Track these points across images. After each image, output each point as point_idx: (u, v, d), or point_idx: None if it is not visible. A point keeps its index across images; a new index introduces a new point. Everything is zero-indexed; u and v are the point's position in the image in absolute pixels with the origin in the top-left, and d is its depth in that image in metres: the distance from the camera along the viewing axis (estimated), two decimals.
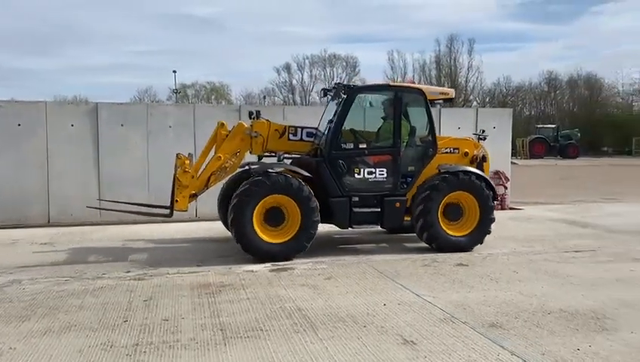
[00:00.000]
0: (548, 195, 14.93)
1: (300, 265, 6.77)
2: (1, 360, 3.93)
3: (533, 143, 40.92)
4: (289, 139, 7.86)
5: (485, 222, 7.61)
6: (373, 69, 78.75)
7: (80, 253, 7.62)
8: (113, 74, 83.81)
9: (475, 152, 8.15)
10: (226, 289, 5.75)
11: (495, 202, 7.84)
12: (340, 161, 7.38)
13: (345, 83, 8.02)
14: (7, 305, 5.21)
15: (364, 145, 7.58)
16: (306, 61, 61.89)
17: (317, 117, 10.13)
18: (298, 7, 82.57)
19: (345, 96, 7.47)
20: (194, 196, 7.53)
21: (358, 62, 61.99)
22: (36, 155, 10.08)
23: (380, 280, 6.09)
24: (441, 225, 7.50)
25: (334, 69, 62.07)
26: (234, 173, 7.87)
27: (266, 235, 6.98)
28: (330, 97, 8.22)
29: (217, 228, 9.63)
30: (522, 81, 57.98)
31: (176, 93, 55.25)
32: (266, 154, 7.94)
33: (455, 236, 7.57)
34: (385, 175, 7.52)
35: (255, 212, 6.87)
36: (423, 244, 7.72)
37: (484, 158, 8.15)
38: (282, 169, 7.12)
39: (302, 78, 62.54)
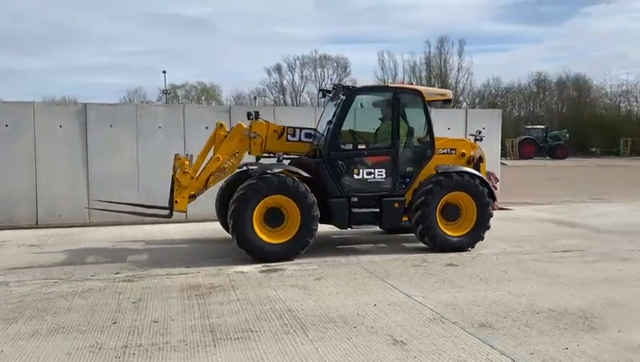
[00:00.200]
0: (537, 195, 15.03)
1: (291, 266, 6.77)
2: None
3: (522, 144, 41.23)
4: (287, 140, 7.88)
5: (483, 222, 7.68)
6: (363, 69, 79.11)
7: (68, 255, 7.56)
8: (102, 74, 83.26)
9: (472, 153, 8.21)
10: (215, 290, 5.73)
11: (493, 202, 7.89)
12: (339, 162, 7.41)
13: (344, 84, 8.01)
14: None
15: (363, 146, 7.63)
16: (297, 62, 62.03)
17: (307, 118, 10.17)
18: (289, 7, 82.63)
19: (344, 97, 7.51)
20: (193, 197, 7.52)
21: (349, 63, 62.31)
22: (24, 156, 9.99)
23: (370, 281, 6.10)
24: (439, 225, 7.55)
25: (325, 70, 62.27)
26: (232, 174, 7.88)
27: (266, 236, 7.00)
28: (328, 98, 8.24)
29: (207, 229, 9.62)
30: (512, 82, 58.56)
31: (166, 93, 54.98)
32: (265, 155, 7.96)
33: (453, 236, 7.63)
34: (384, 175, 7.57)
35: (255, 212, 6.88)
36: (421, 244, 7.77)
37: (480, 159, 8.23)
38: (282, 169, 7.15)
39: (292, 79, 62.67)
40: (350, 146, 7.52)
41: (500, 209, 12.11)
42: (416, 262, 7.00)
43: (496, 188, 11.98)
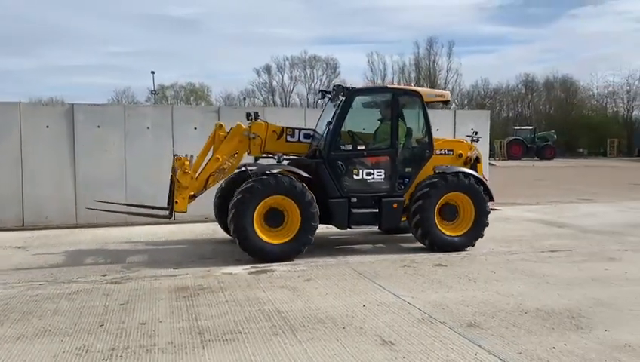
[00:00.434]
0: (525, 196, 15.13)
1: (280, 267, 6.75)
2: None
3: (510, 145, 41.49)
4: (287, 141, 7.90)
5: (480, 222, 7.75)
6: (353, 70, 79.10)
7: (55, 257, 7.48)
8: (90, 75, 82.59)
9: (469, 153, 8.29)
10: (204, 291, 5.70)
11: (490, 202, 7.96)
12: (339, 162, 7.45)
13: (344, 85, 8.05)
14: None
15: (363, 147, 7.68)
16: (286, 62, 61.94)
17: (297, 118, 10.16)
18: (278, 8, 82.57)
19: (344, 98, 7.54)
20: (193, 197, 7.52)
21: (339, 64, 62.29)
22: (10, 157, 9.87)
23: (359, 281, 6.10)
24: (438, 225, 7.61)
25: (314, 71, 62.23)
26: (231, 174, 7.90)
27: (266, 236, 7.01)
28: (328, 99, 8.26)
29: (196, 231, 9.58)
30: (500, 84, 58.89)
31: (154, 94, 54.70)
32: (264, 155, 7.97)
33: (451, 236, 7.68)
34: (383, 176, 7.61)
35: (256, 213, 6.90)
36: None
37: (477, 159, 8.31)
38: (281, 170, 7.17)
39: (282, 80, 62.58)
40: (350, 147, 7.58)
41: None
42: (406, 263, 7.02)
43: None
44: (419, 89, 8.12)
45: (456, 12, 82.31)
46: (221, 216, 8.24)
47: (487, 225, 7.84)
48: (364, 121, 8.17)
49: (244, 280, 6.20)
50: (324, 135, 7.61)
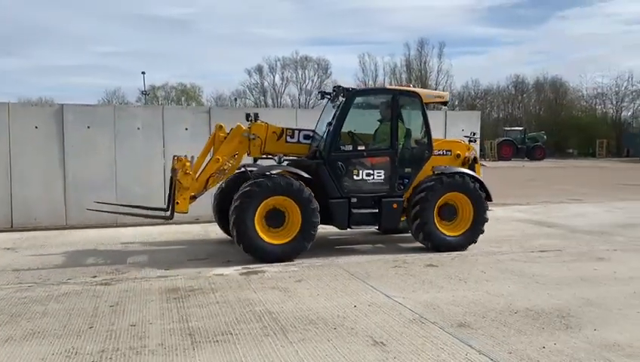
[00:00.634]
0: (515, 196, 15.21)
1: (271, 268, 6.74)
2: None
3: (501, 145, 41.71)
4: (286, 142, 7.91)
5: (479, 222, 7.80)
6: (344, 71, 79.30)
7: (44, 258, 7.42)
8: (80, 75, 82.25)
9: (467, 154, 8.36)
10: (195, 293, 5.68)
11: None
12: (340, 163, 7.48)
13: (344, 86, 8.09)
14: None
15: (363, 147, 7.73)
16: (278, 63, 61.90)
17: (288, 119, 10.15)
18: (269, 9, 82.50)
19: (344, 99, 7.57)
20: (193, 198, 7.51)
21: (330, 65, 62.36)
22: None
23: (350, 282, 6.11)
24: (437, 225, 7.66)
25: (306, 72, 62.22)
26: (231, 175, 7.92)
27: (267, 236, 7.03)
28: (327, 100, 8.28)
29: (187, 232, 9.54)
30: (490, 85, 59.20)
31: (145, 94, 54.47)
32: (263, 156, 7.99)
33: (450, 236, 7.73)
34: (383, 176, 7.66)
35: (257, 214, 6.92)
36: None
37: (475, 160, 8.39)
38: (282, 170, 7.20)
39: (273, 80, 62.53)
40: (350, 147, 7.62)
41: None
42: (397, 263, 7.03)
43: None
44: (418, 90, 8.18)
45: (447, 13, 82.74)
46: (220, 216, 8.29)
47: (486, 220, 7.90)
48: (363, 121, 8.21)
49: (236, 281, 6.18)
50: (325, 136, 7.64)
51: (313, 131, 8.11)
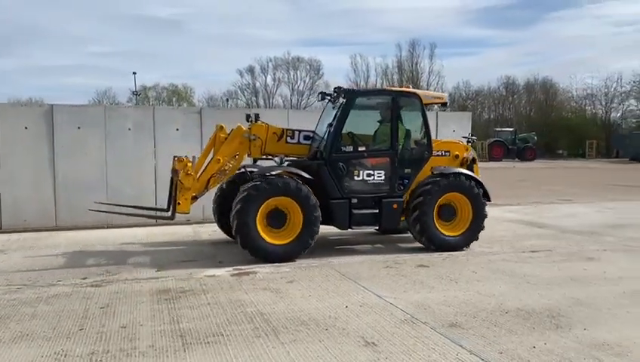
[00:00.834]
0: (506, 197, 15.28)
1: (262, 269, 6.73)
2: None
3: (492, 146, 41.90)
4: (287, 142, 7.95)
5: (478, 222, 7.86)
6: (336, 72, 79.36)
7: (33, 260, 7.36)
8: (71, 75, 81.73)
9: (465, 155, 8.42)
10: (186, 294, 5.66)
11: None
12: (340, 164, 7.51)
13: (345, 88, 8.13)
14: None
15: (364, 148, 7.77)
16: (270, 64, 61.84)
17: (280, 120, 10.13)
18: (262, 9, 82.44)
19: (344, 100, 7.60)
20: (194, 198, 7.51)
21: (322, 66, 62.36)
22: None
23: (342, 283, 6.11)
24: (436, 225, 7.71)
25: (298, 72, 62.20)
26: (229, 177, 7.96)
27: (269, 237, 7.06)
28: (327, 101, 8.31)
29: (178, 233, 9.50)
30: (481, 86, 59.50)
31: (136, 95, 54.23)
32: (263, 157, 8.01)
33: (449, 236, 7.78)
34: (383, 177, 7.69)
35: (258, 214, 6.94)
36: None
37: (473, 160, 8.45)
38: (283, 171, 7.22)
39: (265, 81, 62.46)
40: (351, 148, 7.67)
41: None
42: (388, 264, 7.04)
43: None
44: (418, 91, 8.25)
45: (439, 15, 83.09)
46: (221, 217, 8.33)
47: (485, 216, 7.97)
48: (363, 122, 8.25)
49: (227, 282, 6.16)
50: (325, 137, 7.67)
51: (313, 132, 8.15)
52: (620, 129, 52.35)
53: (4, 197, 9.78)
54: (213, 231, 9.55)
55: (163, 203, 8.81)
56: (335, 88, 8.24)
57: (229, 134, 7.75)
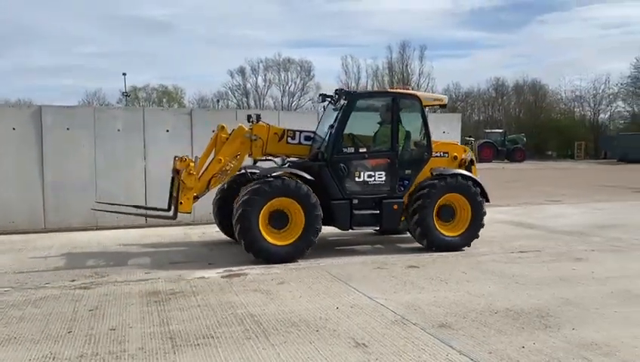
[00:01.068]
0: (496, 198, 15.29)
1: (253, 271, 6.72)
2: None
3: (481, 148, 42.05)
4: (288, 143, 7.99)
5: (477, 223, 7.95)
6: (327, 73, 79.40)
7: (22, 262, 7.29)
8: (60, 76, 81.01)
9: (464, 156, 8.51)
10: (176, 296, 5.63)
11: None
12: (342, 165, 7.56)
13: (346, 90, 8.17)
14: None
15: (364, 150, 7.82)
16: (260, 65, 61.73)
17: (271, 121, 10.07)
18: (253, 10, 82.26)
19: (345, 102, 7.64)
20: (195, 198, 7.52)
21: (313, 67, 62.32)
22: None
23: (332, 284, 6.11)
24: (436, 225, 7.77)
25: (289, 74, 62.14)
26: (230, 178, 7.98)
27: (271, 238, 7.09)
28: (328, 103, 8.34)
29: (169, 234, 9.45)
30: (471, 87, 59.80)
31: (126, 96, 53.93)
32: (262, 158, 8.04)
33: (449, 236, 7.84)
34: (383, 178, 7.75)
35: (261, 216, 6.97)
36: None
37: (472, 161, 8.56)
38: (284, 172, 7.25)
39: (256, 82, 62.34)
40: (352, 150, 7.72)
41: None
42: (379, 265, 7.06)
43: None
44: (418, 93, 8.35)
45: (429, 17, 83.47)
46: (221, 218, 8.36)
47: (482, 225, 8.06)
48: (364, 124, 8.30)
49: (217, 284, 6.15)
50: (326, 138, 7.71)
51: (314, 133, 8.19)
52: (607, 130, 52.86)
53: None
54: (203, 233, 9.53)
55: (153, 204, 8.80)
56: (336, 90, 8.31)
57: (230, 134, 7.76)
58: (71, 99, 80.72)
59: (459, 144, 8.78)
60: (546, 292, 5.71)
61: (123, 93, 53.56)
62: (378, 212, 7.71)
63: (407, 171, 7.91)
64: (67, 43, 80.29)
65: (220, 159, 7.58)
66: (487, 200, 8.17)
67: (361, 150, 7.80)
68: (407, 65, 57.93)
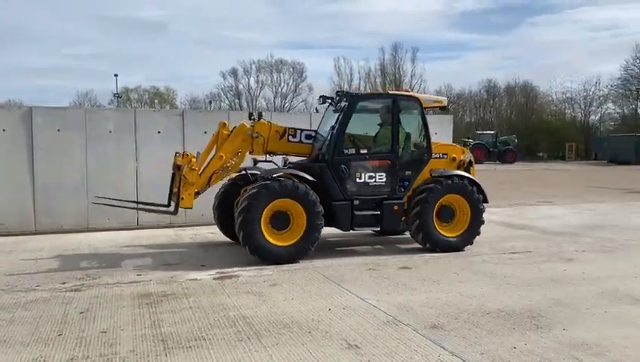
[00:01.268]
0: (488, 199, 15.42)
1: (245, 273, 6.70)
2: None
3: (473, 149, 42.15)
4: (289, 141, 8.02)
5: (476, 223, 8.02)
6: (319, 75, 79.43)
7: (12, 264, 7.23)
8: (52, 77, 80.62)
9: (462, 157, 8.59)
10: (168, 298, 5.61)
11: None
12: (343, 166, 7.58)
13: (346, 91, 8.21)
14: None
15: (365, 151, 7.86)
16: (253, 66, 61.75)
17: None
18: (245, 12, 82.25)
19: (347, 104, 7.68)
20: (196, 194, 7.51)
21: (305, 68, 62.41)
22: None
23: (325, 286, 6.11)
24: (436, 226, 7.83)
25: (281, 75, 62.16)
26: (230, 178, 8.00)
27: (273, 239, 7.10)
28: (328, 105, 8.36)
29: (160, 236, 9.42)
30: (463, 89, 60.15)
31: (117, 97, 53.70)
32: (264, 159, 8.07)
33: (448, 237, 7.90)
34: (384, 179, 7.79)
35: (263, 215, 6.98)
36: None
37: (470, 163, 8.63)
38: (286, 173, 7.26)
39: (248, 84, 62.33)
40: (353, 151, 7.75)
41: None
42: (371, 266, 7.06)
43: None
44: (418, 95, 8.42)
45: (421, 19, 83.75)
46: (222, 219, 8.37)
47: (482, 222, 8.12)
48: (364, 125, 8.33)
49: (209, 286, 6.13)
50: (328, 139, 7.73)
51: (315, 131, 8.23)
52: (598, 132, 53.28)
53: None
54: (194, 235, 9.51)
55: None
56: (337, 92, 8.36)
57: (231, 131, 7.77)
58: (62, 100, 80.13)
59: (456, 145, 8.82)
60: (537, 293, 5.74)
61: (115, 94, 53.42)
62: (379, 213, 7.75)
63: (407, 172, 7.96)
64: (57, 43, 79.98)
65: (222, 156, 7.60)
66: (486, 201, 8.23)
67: (361, 151, 7.84)
68: (399, 67, 58.18)
